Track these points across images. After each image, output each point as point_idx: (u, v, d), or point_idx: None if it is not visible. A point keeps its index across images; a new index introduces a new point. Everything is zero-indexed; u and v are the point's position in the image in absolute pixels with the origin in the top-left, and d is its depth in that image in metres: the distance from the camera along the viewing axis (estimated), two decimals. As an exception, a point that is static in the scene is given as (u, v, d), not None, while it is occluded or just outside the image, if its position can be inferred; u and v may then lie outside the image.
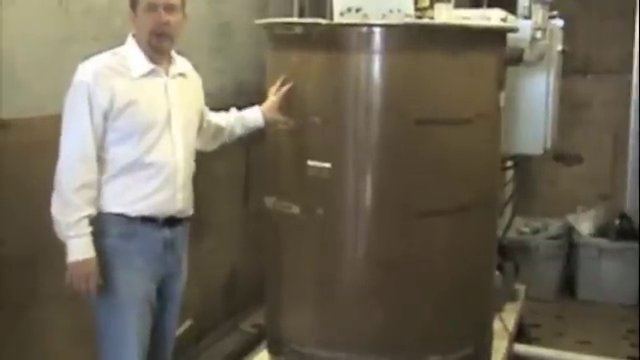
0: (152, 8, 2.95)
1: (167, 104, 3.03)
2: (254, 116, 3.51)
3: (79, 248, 2.86)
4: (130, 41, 3.01)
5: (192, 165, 3.18)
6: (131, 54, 2.98)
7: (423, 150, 3.34)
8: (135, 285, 3.00)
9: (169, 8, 2.97)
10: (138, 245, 2.99)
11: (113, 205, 2.94)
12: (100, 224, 2.92)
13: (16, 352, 3.19)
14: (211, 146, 3.50)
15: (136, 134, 2.93)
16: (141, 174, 2.96)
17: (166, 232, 3.07)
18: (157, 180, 3.00)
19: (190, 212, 3.20)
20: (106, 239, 2.94)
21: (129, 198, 2.96)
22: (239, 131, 3.52)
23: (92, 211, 2.88)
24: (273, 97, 3.49)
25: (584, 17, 6.10)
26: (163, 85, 3.04)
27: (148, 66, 2.99)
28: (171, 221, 3.09)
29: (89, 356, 3.16)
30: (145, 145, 2.95)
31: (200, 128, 3.31)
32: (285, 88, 3.46)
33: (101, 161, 2.91)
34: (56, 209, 2.87)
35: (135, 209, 2.97)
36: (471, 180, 3.48)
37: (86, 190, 2.86)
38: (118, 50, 2.99)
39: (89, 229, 2.87)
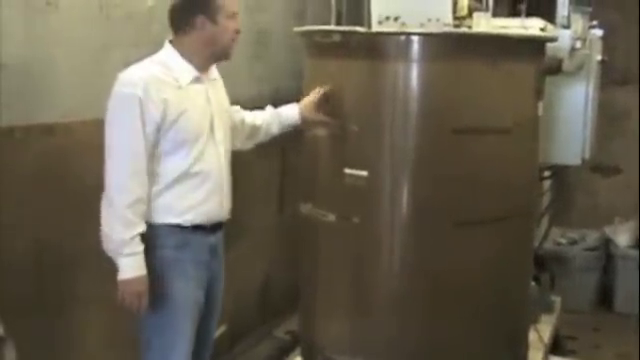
0: (233, 16, 3.01)
1: (210, 111, 3.03)
2: (291, 113, 3.48)
3: (132, 266, 2.85)
4: (170, 48, 2.98)
5: (230, 168, 3.19)
6: (175, 62, 2.95)
7: (460, 159, 3.32)
8: (189, 293, 3.02)
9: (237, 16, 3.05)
10: (190, 254, 3.01)
11: (166, 216, 2.93)
12: (154, 236, 2.91)
13: (54, 354, 3.22)
14: (247, 145, 3.48)
15: (187, 144, 2.92)
16: (192, 183, 2.96)
17: (212, 238, 3.10)
18: (206, 188, 3.00)
19: (229, 216, 3.21)
20: (162, 250, 2.94)
21: (181, 208, 2.95)
22: (275, 129, 3.49)
23: (144, 226, 2.87)
24: (311, 96, 3.48)
25: (624, 27, 6.04)
26: (205, 92, 3.03)
27: (194, 73, 2.97)
28: (216, 227, 3.11)
29: (125, 359, 3.19)
30: (195, 154, 2.94)
31: (233, 129, 3.30)
32: (324, 89, 3.45)
33: (152, 173, 2.89)
34: (108, 226, 2.84)
35: (187, 218, 2.97)
36: (509, 190, 3.46)
37: (139, 205, 2.84)
38: (159, 58, 2.96)
39: (142, 246, 2.85)
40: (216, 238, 3.14)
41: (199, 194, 2.98)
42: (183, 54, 2.96)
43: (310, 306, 3.76)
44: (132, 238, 2.82)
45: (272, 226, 4.91)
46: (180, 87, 2.92)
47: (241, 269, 4.51)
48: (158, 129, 2.85)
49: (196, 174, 2.96)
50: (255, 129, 3.45)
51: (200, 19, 2.95)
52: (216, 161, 3.04)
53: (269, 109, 3.51)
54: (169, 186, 2.93)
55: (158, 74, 2.88)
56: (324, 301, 3.68)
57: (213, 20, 2.95)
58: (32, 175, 3.04)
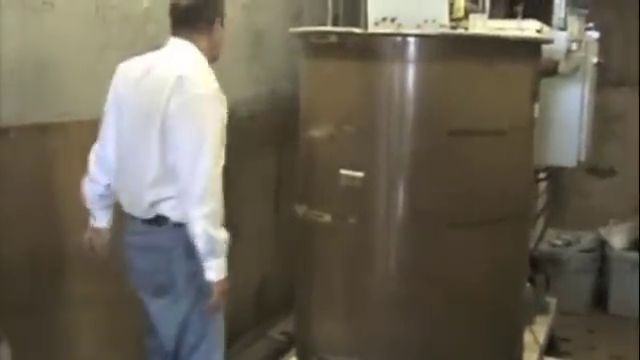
0: (224, 23, 3.07)
1: None
2: None
3: (225, 265, 2.91)
4: (194, 48, 2.96)
5: None
6: (204, 62, 2.97)
7: (456, 161, 3.32)
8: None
9: None
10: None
11: None
12: (186, 243, 2.88)
13: (49, 355, 3.21)
14: None
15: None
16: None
17: None
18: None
19: None
20: (197, 258, 2.89)
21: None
22: None
23: None
24: None
25: (619, 29, 6.04)
26: None
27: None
28: None
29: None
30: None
31: None
32: None
33: None
34: (213, 226, 2.83)
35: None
36: (504, 192, 3.47)
37: None
38: (197, 57, 2.95)
39: None
40: None
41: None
42: (202, 53, 2.99)
43: (305, 307, 3.76)
44: (227, 238, 2.88)
45: (268, 227, 4.90)
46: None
47: (236, 270, 4.51)
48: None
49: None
50: None
51: (218, 21, 3.02)
52: None
53: None
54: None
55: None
56: (319, 302, 3.69)
57: (222, 24, 3.05)
58: (27, 175, 3.04)
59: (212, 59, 3.03)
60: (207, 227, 2.80)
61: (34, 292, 3.10)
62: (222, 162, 2.85)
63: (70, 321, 3.30)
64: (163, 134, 2.84)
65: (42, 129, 3.08)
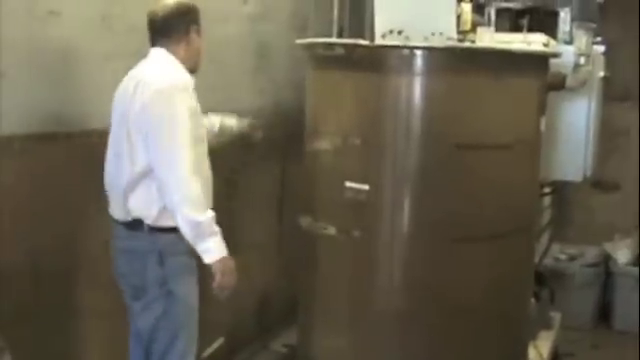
0: (200, 32, 3.06)
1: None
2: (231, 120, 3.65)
3: (222, 243, 2.90)
4: (168, 56, 3.01)
5: None
6: (178, 69, 3.00)
7: (462, 175, 3.31)
8: (196, 298, 3.08)
9: None
10: (194, 260, 3.01)
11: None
12: (171, 241, 2.92)
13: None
14: None
15: (201, 142, 2.98)
16: (203, 185, 2.96)
17: None
18: (209, 193, 3.04)
19: None
20: (182, 257, 2.96)
21: None
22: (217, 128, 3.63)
23: None
24: None
25: (625, 43, 6.03)
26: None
27: (192, 80, 3.03)
28: None
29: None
30: (202, 157, 3.00)
31: None
32: None
33: None
34: (192, 212, 2.83)
35: None
36: (510, 206, 3.45)
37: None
38: (168, 61, 3.00)
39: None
40: None
41: (207, 199, 2.99)
42: (181, 60, 3.01)
43: (309, 319, 3.74)
44: (214, 217, 2.87)
45: (271, 238, 4.88)
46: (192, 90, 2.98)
47: (239, 281, 4.49)
48: (192, 120, 2.90)
49: (206, 178, 3.00)
50: None
51: (194, 30, 3.04)
52: (208, 165, 3.08)
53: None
54: None
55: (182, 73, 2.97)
56: (323, 314, 3.67)
57: (198, 32, 3.05)
58: (31, 184, 3.02)
59: (192, 68, 3.05)
60: (187, 212, 2.83)
61: (36, 301, 3.08)
62: (195, 148, 2.88)
63: (72, 330, 3.29)
64: (132, 137, 2.91)
65: (47, 138, 3.07)
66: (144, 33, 3.19)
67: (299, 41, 3.75)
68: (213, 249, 2.88)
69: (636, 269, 5.81)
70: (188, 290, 3.03)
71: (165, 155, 2.85)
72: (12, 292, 2.96)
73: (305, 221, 3.63)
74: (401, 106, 3.29)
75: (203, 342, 3.61)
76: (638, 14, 5.93)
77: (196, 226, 2.85)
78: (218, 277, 2.91)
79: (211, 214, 2.87)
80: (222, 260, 2.91)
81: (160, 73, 2.93)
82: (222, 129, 3.56)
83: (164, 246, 2.92)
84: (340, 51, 3.42)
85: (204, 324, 3.30)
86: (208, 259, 2.89)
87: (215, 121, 3.53)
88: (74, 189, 3.14)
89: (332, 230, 3.47)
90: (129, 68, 3.07)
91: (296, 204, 3.84)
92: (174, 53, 3.02)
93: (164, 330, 3.01)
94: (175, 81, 2.90)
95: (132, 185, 2.94)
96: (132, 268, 3.00)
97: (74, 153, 3.17)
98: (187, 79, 2.95)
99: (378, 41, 3.46)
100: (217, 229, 2.89)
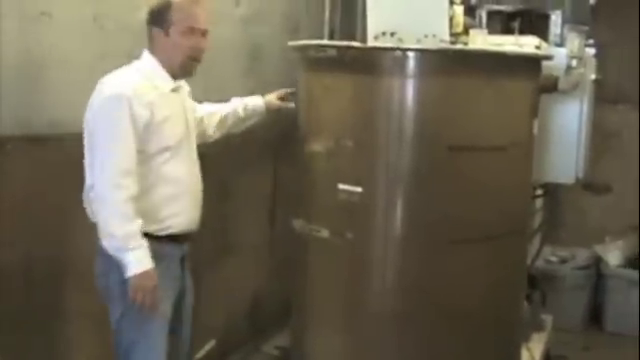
0: (191, 32, 2.96)
1: (186, 119, 3.08)
2: (256, 101, 3.62)
3: (140, 260, 2.81)
4: (149, 57, 3.00)
5: None
6: (154, 70, 2.97)
7: (455, 177, 3.30)
8: (161, 307, 2.95)
9: (205, 33, 3.00)
10: (163, 266, 2.95)
11: (145, 223, 2.87)
12: None
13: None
14: (216, 135, 3.52)
15: (170, 149, 2.93)
16: (173, 190, 2.95)
17: (184, 248, 3.09)
18: (185, 197, 3.00)
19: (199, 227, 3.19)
20: None
21: (160, 215, 2.93)
22: (242, 113, 3.57)
23: (141, 222, 2.82)
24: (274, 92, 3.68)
25: (616, 45, 6.04)
26: (181, 101, 3.08)
27: (172, 82, 3.00)
28: (187, 237, 3.09)
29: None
30: (175, 160, 2.95)
31: (199, 126, 3.36)
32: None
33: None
34: (112, 225, 2.79)
35: (165, 226, 2.95)
36: (503, 208, 3.45)
37: (132, 203, 2.80)
38: (138, 67, 2.98)
39: (145, 241, 2.82)
40: (185, 250, 3.11)
41: (180, 203, 2.97)
42: (160, 62, 2.99)
43: (301, 322, 3.73)
44: (137, 231, 2.79)
45: (263, 241, 4.88)
46: (163, 94, 2.95)
47: (231, 284, 4.48)
48: (146, 129, 2.85)
49: (178, 181, 2.97)
50: (223, 119, 3.50)
51: (155, 31, 2.99)
52: (192, 169, 3.06)
53: (233, 99, 3.59)
54: (149, 191, 2.89)
55: (140, 79, 2.91)
56: (316, 317, 3.66)
57: (166, 34, 2.97)
58: (24, 187, 3.01)
59: (174, 72, 3.00)
60: (104, 225, 2.80)
61: (29, 306, 3.07)
62: (121, 162, 2.81)
63: (65, 335, 3.27)
64: (85, 142, 2.92)
65: (39, 140, 3.05)
66: (135, 33, 3.19)
67: (291, 43, 3.74)
68: (130, 264, 2.80)
69: (627, 271, 5.82)
70: None
71: (95, 162, 2.83)
72: (4, 297, 2.94)
73: (298, 223, 3.62)
74: (394, 108, 3.28)
75: (195, 344, 3.61)
76: (638, 15, 5.95)
77: (111, 238, 2.80)
78: (132, 294, 2.83)
79: (132, 228, 2.79)
80: (138, 277, 2.81)
81: (114, 79, 2.88)
82: (248, 112, 3.55)
83: None
84: (333, 53, 3.41)
85: (196, 326, 3.30)
86: (127, 273, 2.82)
87: (239, 107, 3.52)
88: (65, 192, 3.12)
89: (325, 232, 3.46)
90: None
91: (288, 206, 3.83)
92: (155, 54, 2.99)
93: (121, 335, 2.98)
94: (118, 89, 2.84)
95: (89, 189, 2.91)
96: (99, 269, 2.96)
97: (65, 156, 3.16)
98: (137, 87, 2.87)
99: (371, 43, 3.46)
100: (138, 243, 2.80)
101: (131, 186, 2.80)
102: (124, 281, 2.86)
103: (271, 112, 3.69)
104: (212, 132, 3.46)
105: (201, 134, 3.38)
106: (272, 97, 3.68)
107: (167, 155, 2.93)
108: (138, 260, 2.80)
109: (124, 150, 2.81)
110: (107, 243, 2.82)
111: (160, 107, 2.90)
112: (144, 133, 2.85)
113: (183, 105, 3.09)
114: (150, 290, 2.83)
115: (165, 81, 2.99)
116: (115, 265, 2.86)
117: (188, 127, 3.09)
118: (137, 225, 2.80)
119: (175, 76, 3.02)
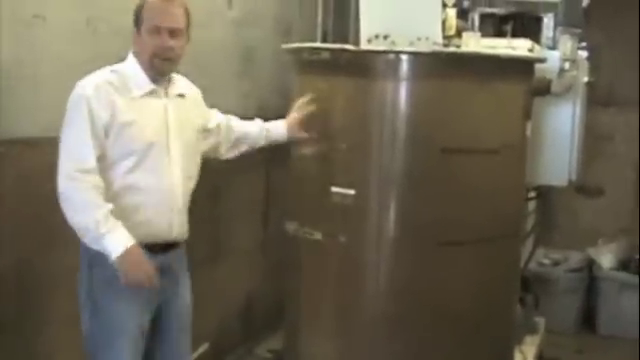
0: (156, 31, 2.89)
1: (166, 126, 2.95)
2: (279, 131, 3.52)
3: (119, 240, 2.73)
4: (132, 59, 2.94)
5: (190, 188, 3.08)
6: (132, 73, 2.91)
7: (448, 179, 3.31)
8: (128, 317, 2.87)
9: (174, 32, 2.91)
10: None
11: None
12: (91, 252, 2.79)
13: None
14: (230, 154, 3.44)
15: (135, 155, 2.84)
16: (139, 198, 2.86)
17: (160, 258, 2.93)
18: (153, 205, 2.90)
19: (186, 236, 3.08)
20: (100, 269, 2.81)
21: (125, 224, 2.79)
22: (262, 142, 3.51)
23: (111, 206, 2.75)
24: (296, 113, 3.49)
25: (607, 48, 6.06)
26: (163, 107, 2.96)
27: (149, 86, 2.91)
28: (165, 247, 2.97)
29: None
30: (143, 167, 2.86)
31: (210, 137, 3.28)
32: (309, 107, 3.47)
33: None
34: (78, 216, 2.72)
35: (131, 236, 2.80)
36: (496, 211, 3.45)
37: (95, 191, 2.73)
38: (118, 68, 2.91)
39: (119, 222, 2.75)
40: (167, 258, 2.98)
41: (148, 211, 2.88)
42: (140, 64, 2.93)
43: (295, 324, 3.73)
44: (106, 215, 2.72)
45: (256, 244, 4.87)
46: (133, 98, 2.87)
47: (224, 287, 4.48)
48: (106, 133, 2.79)
49: (147, 189, 2.87)
50: (240, 140, 3.44)
51: (134, 32, 2.95)
52: (167, 179, 2.93)
53: (257, 122, 3.51)
54: (113, 198, 2.80)
55: (112, 80, 2.85)
56: (309, 320, 3.66)
57: (139, 32, 2.93)
58: (14, 190, 2.99)
59: (149, 71, 2.93)
60: (73, 223, 2.74)
61: (20, 310, 3.05)
62: (77, 160, 2.75)
63: (56, 339, 3.25)
64: None
65: (31, 144, 3.04)
66: (128, 36, 3.18)
67: (285, 46, 3.74)
68: (108, 248, 2.73)
69: (620, 274, 5.83)
70: (114, 306, 2.86)
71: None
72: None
73: (291, 226, 3.62)
74: (387, 111, 3.29)
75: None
76: (638, 16, 5.97)
77: (85, 232, 2.74)
78: (122, 279, 2.75)
79: (99, 213, 2.71)
80: (122, 257, 2.73)
81: (85, 79, 2.84)
82: (269, 140, 3.52)
83: (94, 253, 2.79)
84: (326, 56, 3.42)
85: (189, 329, 3.28)
86: (111, 258, 2.74)
87: (260, 138, 3.48)
88: (53, 196, 3.11)
89: (318, 235, 3.47)
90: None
91: (281, 209, 3.82)
92: (135, 55, 2.95)
93: (92, 337, 2.91)
94: (79, 89, 2.81)
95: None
96: (78, 275, 2.92)
97: (55, 159, 3.14)
98: (101, 87, 2.81)
99: (364, 46, 3.46)
100: (111, 225, 2.72)
101: (91, 180, 2.73)
102: (90, 292, 2.84)
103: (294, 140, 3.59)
104: (224, 151, 3.39)
105: (214, 148, 3.32)
106: (295, 124, 3.51)
107: (131, 162, 2.84)
108: (116, 241, 2.73)
109: (81, 149, 2.75)
110: (85, 240, 2.76)
111: (124, 110, 2.82)
112: (105, 135, 2.79)
113: (165, 112, 2.96)
114: (139, 265, 2.76)
115: (140, 84, 2.90)
116: (84, 268, 2.84)
117: (167, 134, 2.95)
118: (105, 209, 2.73)
119: (153, 78, 2.94)
